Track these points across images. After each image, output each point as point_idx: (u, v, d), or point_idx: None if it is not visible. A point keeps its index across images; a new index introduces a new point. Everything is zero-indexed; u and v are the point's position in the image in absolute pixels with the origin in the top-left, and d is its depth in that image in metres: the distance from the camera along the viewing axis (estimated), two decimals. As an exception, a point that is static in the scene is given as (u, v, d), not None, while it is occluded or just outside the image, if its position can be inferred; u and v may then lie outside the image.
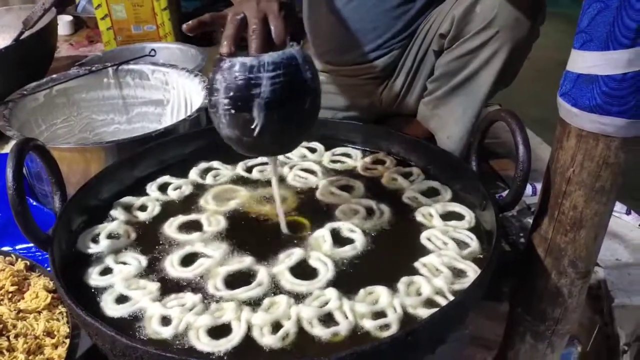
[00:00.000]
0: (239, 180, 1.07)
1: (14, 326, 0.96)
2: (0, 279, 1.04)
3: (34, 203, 1.21)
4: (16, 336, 0.94)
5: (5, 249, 1.17)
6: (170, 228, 0.93)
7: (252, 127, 0.77)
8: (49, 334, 0.96)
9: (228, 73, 0.76)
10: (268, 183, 1.04)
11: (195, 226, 0.93)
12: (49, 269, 1.14)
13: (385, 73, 1.44)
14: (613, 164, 0.77)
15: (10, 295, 1.03)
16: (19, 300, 1.03)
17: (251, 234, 0.92)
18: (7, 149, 1.57)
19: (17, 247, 1.21)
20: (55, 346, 0.94)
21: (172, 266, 0.84)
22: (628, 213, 1.28)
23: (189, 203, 1.01)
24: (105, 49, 2.15)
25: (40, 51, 1.65)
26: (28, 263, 1.10)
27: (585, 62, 0.74)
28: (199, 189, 1.04)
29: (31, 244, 1.23)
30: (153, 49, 1.57)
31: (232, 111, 0.77)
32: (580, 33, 0.74)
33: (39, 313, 1.00)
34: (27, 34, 1.53)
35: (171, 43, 2.02)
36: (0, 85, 1.50)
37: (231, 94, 0.76)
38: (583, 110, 0.75)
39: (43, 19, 1.61)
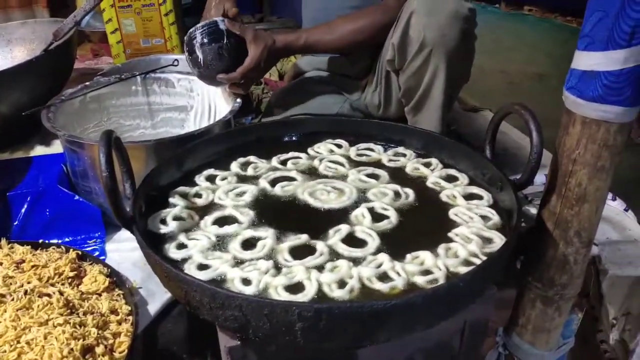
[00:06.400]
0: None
1: (81, 305, 1.05)
2: (60, 265, 1.13)
3: (80, 199, 1.29)
4: (84, 314, 1.03)
5: (54, 241, 1.25)
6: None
7: (198, 60, 1.42)
8: (113, 312, 1.06)
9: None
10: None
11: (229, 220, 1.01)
12: (102, 257, 1.23)
13: (358, 72, 1.69)
14: (612, 145, 0.92)
15: (70, 280, 1.12)
16: (78, 285, 1.12)
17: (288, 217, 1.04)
18: (33, 152, 1.64)
19: (64, 240, 1.29)
20: (120, 322, 1.04)
21: (236, 251, 0.93)
22: (614, 199, 1.45)
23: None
24: (114, 62, 2.25)
25: (64, 62, 1.74)
26: (80, 252, 1.19)
27: (589, 60, 0.89)
28: (243, 180, 1.15)
29: (74, 238, 1.33)
30: (176, 59, 1.68)
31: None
32: (583, 37, 0.90)
33: (99, 295, 1.10)
34: (55, 45, 1.62)
35: (179, 55, 2.12)
36: (27, 94, 1.58)
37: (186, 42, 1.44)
38: (587, 100, 0.91)
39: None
